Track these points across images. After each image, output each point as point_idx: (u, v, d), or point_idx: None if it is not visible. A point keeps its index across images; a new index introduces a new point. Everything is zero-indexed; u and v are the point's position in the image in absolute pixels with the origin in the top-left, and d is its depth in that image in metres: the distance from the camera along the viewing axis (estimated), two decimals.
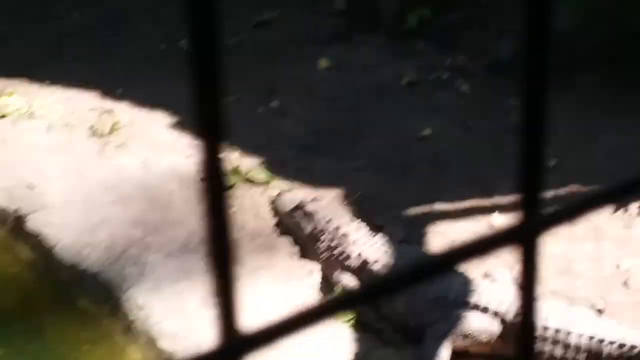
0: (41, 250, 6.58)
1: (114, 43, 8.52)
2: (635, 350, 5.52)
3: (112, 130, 7.40)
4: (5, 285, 6.53)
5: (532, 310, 0.85)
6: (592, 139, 7.12)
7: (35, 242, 6.64)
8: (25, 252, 6.68)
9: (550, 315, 5.66)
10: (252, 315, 4.13)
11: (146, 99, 7.76)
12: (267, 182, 6.90)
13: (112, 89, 7.85)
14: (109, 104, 7.74)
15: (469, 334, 5.73)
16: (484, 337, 5.74)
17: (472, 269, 6.07)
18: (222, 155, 0.73)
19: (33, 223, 6.71)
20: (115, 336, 6.03)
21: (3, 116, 7.55)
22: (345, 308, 0.74)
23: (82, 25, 8.79)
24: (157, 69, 8.15)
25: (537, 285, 0.83)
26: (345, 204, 6.73)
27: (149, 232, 6.50)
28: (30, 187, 6.92)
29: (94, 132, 7.40)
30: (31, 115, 7.60)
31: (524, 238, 0.78)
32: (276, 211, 6.67)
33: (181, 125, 7.55)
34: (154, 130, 7.48)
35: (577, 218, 0.82)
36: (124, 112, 7.66)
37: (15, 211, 6.80)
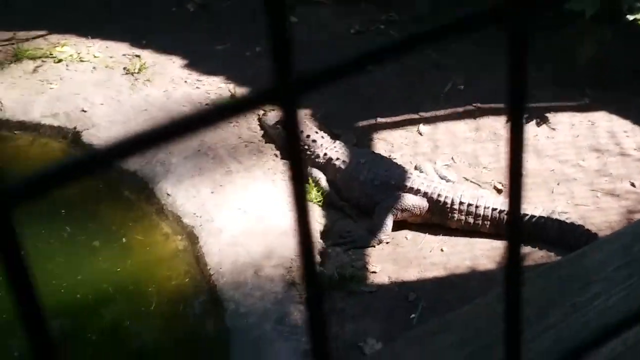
0: None
1: (135, 7, 8.41)
2: (526, 218, 5.63)
3: (140, 69, 7.36)
4: None
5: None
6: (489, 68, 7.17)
7: (89, 150, 6.64)
8: None
9: (464, 194, 5.77)
10: (250, 196, 4.22)
11: (164, 46, 7.71)
12: None
13: (139, 40, 7.79)
14: (137, 51, 7.68)
15: (406, 208, 5.82)
16: (416, 211, 5.82)
17: (406, 164, 6.14)
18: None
19: (86, 137, 6.71)
20: (151, 216, 6.08)
21: (60, 60, 7.47)
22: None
23: None
24: (170, 26, 8.08)
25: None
26: (313, 119, 6.76)
27: None
28: (83, 111, 6.90)
29: (127, 71, 7.35)
30: (80, 60, 7.52)
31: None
32: (262, 125, 6.69)
33: (190, 65, 7.52)
34: (170, 69, 7.44)
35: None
36: (148, 57, 7.60)
37: (74, 128, 6.79)
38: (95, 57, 7.56)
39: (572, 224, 5.56)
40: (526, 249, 5.61)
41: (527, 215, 5.62)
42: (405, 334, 4.32)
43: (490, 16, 0.67)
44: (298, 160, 0.64)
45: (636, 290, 1.59)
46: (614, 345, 1.45)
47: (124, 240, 5.89)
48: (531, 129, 6.56)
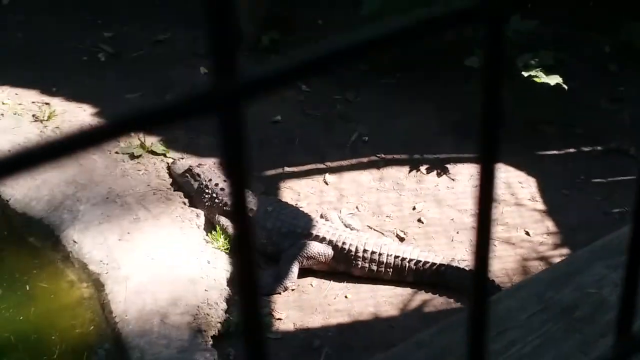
0: None
1: (47, 54, 8.36)
2: (427, 265, 5.79)
3: (50, 117, 7.31)
4: None
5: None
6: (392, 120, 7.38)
7: None
8: None
9: (368, 242, 5.89)
10: (158, 243, 4.24)
11: (74, 94, 7.67)
12: (164, 154, 6.93)
13: (49, 87, 7.74)
14: (46, 98, 7.62)
15: (312, 255, 5.89)
16: (322, 258, 5.90)
17: (312, 213, 6.25)
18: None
19: None
20: (56, 263, 6.01)
21: None
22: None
23: (24, 41, 8.60)
24: (81, 74, 8.06)
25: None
26: (220, 168, 6.81)
27: (79, 189, 6.47)
28: None
29: (36, 119, 7.29)
30: None
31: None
32: (171, 173, 6.71)
33: (100, 113, 7.51)
34: (81, 117, 7.40)
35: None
36: (58, 104, 7.55)
37: None
38: (3, 103, 7.48)
39: (470, 270, 5.71)
40: (426, 296, 5.76)
41: (428, 262, 5.77)
42: None
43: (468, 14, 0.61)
44: (241, 182, 0.58)
45: (551, 337, 1.63)
46: None
47: (27, 287, 5.81)
48: (432, 179, 6.76)
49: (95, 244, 5.96)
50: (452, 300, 5.71)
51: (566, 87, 6.80)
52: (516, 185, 6.65)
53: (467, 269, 5.72)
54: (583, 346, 1.60)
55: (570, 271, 1.80)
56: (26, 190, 6.45)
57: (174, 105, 0.54)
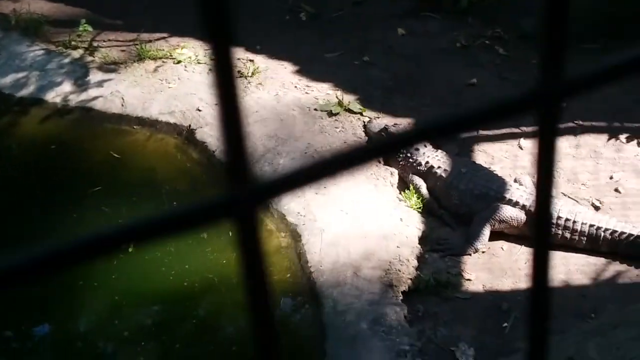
0: (206, 153, 6.82)
1: (252, 14, 8.61)
2: (623, 236, 5.58)
3: (253, 73, 7.55)
4: (182, 176, 6.77)
5: (550, 177, 0.62)
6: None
7: (201, 147, 6.87)
8: (195, 154, 6.91)
9: (562, 208, 5.73)
10: (353, 199, 4.32)
11: (277, 53, 7.89)
12: (361, 112, 7.01)
13: (253, 45, 7.98)
14: (251, 55, 7.87)
15: (504, 219, 5.82)
16: (514, 223, 5.82)
17: (505, 177, 6.14)
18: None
19: (200, 135, 6.95)
20: None
21: (179, 62, 7.74)
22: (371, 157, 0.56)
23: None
24: (283, 33, 8.26)
25: (555, 153, 0.60)
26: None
27: (279, 143, 6.67)
28: (198, 110, 7.14)
29: (241, 74, 7.55)
30: (197, 62, 7.77)
31: (544, 103, 0.57)
32: (367, 132, 6.78)
33: (300, 71, 7.68)
34: (281, 74, 7.61)
35: (599, 86, 0.58)
36: (261, 61, 7.78)
37: (189, 126, 7.04)
38: (211, 60, 7.79)
39: None
40: (620, 267, 5.56)
41: (625, 233, 5.56)
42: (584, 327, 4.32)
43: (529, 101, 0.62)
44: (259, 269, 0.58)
45: None
46: None
47: (230, 234, 6.07)
48: (631, 149, 6.47)
49: (293, 197, 6.13)
50: None
51: None
52: None
53: None
54: None
55: None
56: None
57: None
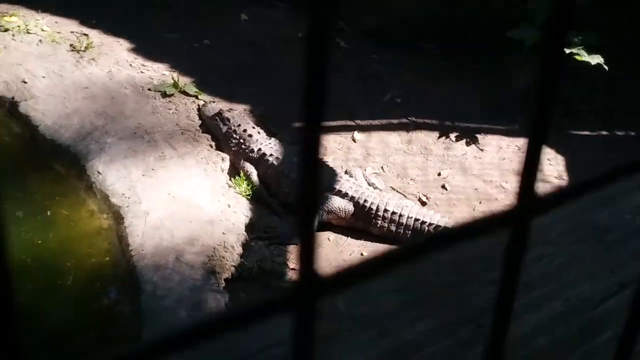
0: (29, 127, 6.45)
1: None
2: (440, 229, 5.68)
3: (87, 48, 7.24)
4: (1, 150, 6.38)
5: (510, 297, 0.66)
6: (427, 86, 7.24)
7: (24, 121, 6.49)
8: (16, 128, 6.53)
9: (389, 202, 5.77)
10: (181, 182, 4.14)
11: (113, 29, 7.61)
12: (196, 95, 6.84)
13: (89, 19, 7.66)
14: (85, 29, 7.55)
15: (332, 210, 5.80)
16: (342, 213, 5.81)
17: (337, 168, 6.13)
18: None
19: (24, 108, 6.56)
20: (79, 192, 5.96)
21: (6, 30, 7.31)
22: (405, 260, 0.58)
23: None
24: (121, 10, 7.97)
25: (520, 270, 0.66)
26: (251, 116, 6.73)
27: (108, 121, 6.41)
28: (24, 82, 6.75)
29: (73, 48, 7.22)
30: (27, 32, 7.37)
31: (517, 221, 0.63)
32: (201, 115, 6.62)
33: (136, 50, 7.42)
34: (117, 51, 7.33)
35: (567, 203, 0.67)
36: (96, 36, 7.49)
37: (12, 98, 6.64)
38: (42, 30, 7.42)
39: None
40: None
41: (449, 228, 5.65)
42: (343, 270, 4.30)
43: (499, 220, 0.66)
44: None
45: (579, 256, 1.60)
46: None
47: (48, 213, 5.77)
48: (460, 148, 6.62)
49: (119, 177, 5.90)
50: None
51: (607, 68, 6.59)
52: (544, 162, 6.49)
53: None
54: (611, 266, 1.55)
55: (607, 196, 1.72)
56: (56, 118, 6.39)
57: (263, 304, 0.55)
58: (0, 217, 0.46)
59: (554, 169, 6.45)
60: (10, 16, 7.48)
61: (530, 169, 0.65)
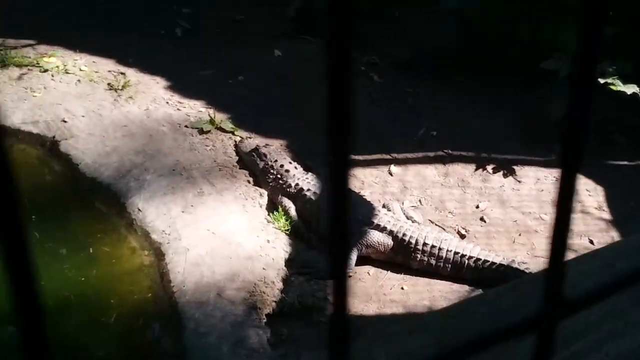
0: (69, 166, 6.53)
1: (126, 27, 8.42)
2: (487, 264, 5.65)
3: (124, 86, 7.34)
4: (43, 189, 6.46)
5: None
6: (462, 118, 7.26)
7: (65, 160, 6.58)
8: (57, 167, 6.62)
9: (428, 235, 5.77)
10: (220, 218, 4.20)
11: (149, 67, 7.71)
12: (233, 131, 6.91)
13: (126, 58, 7.78)
14: (122, 68, 7.66)
15: (371, 244, 5.81)
16: (381, 248, 5.81)
17: (374, 202, 6.14)
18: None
19: (64, 147, 6.66)
20: (120, 229, 6.02)
21: (46, 70, 7.44)
22: None
23: (104, 10, 8.67)
24: (157, 48, 8.09)
25: None
26: (287, 151, 6.77)
27: (147, 159, 6.48)
28: (64, 121, 6.86)
29: (111, 87, 7.33)
30: (66, 72, 7.49)
31: (543, 326, 0.61)
32: (238, 152, 6.68)
33: (172, 87, 7.52)
34: (154, 89, 7.42)
35: (589, 306, 0.65)
36: (133, 75, 7.60)
37: (53, 137, 6.74)
38: (81, 70, 7.54)
39: (530, 274, 5.58)
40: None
41: (488, 261, 5.64)
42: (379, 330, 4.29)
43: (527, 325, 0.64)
44: None
45: (618, 306, 1.58)
46: None
47: (90, 250, 5.82)
48: (497, 179, 6.61)
49: (158, 214, 5.95)
50: None
51: None
52: (583, 193, 6.46)
53: (526, 271, 5.57)
54: None
55: None
56: (96, 156, 6.47)
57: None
58: (28, 253, 0.46)
59: (593, 200, 6.42)
60: (50, 57, 7.61)
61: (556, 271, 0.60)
